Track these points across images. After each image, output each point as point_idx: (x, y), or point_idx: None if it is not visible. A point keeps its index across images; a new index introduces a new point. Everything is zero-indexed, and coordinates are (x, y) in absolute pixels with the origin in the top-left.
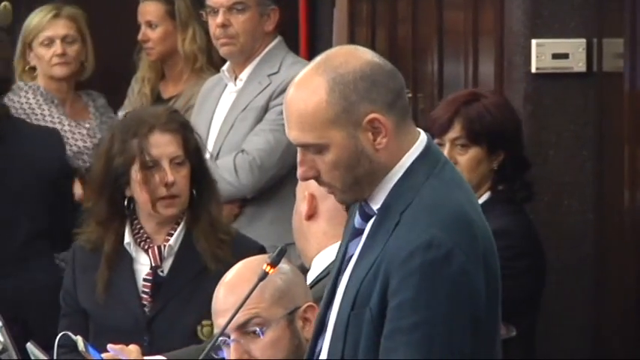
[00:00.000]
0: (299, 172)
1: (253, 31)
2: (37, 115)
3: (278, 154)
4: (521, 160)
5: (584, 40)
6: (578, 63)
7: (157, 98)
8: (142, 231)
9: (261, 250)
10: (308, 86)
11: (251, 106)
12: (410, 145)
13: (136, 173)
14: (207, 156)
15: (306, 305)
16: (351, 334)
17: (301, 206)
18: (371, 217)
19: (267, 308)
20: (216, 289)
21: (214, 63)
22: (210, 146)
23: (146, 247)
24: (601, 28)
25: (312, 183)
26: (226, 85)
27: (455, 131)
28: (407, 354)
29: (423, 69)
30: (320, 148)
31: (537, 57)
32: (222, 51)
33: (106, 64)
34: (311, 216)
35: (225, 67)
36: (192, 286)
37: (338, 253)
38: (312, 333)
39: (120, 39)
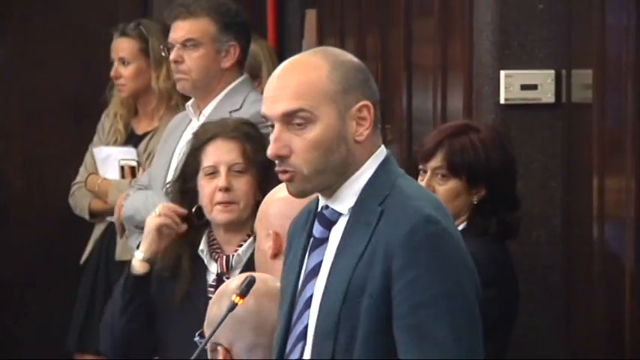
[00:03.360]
0: (272, 148)
1: (207, 67)
2: None
3: None
4: (507, 198)
5: (552, 72)
6: (546, 94)
7: (131, 134)
8: (214, 241)
9: None
10: (308, 63)
11: None
12: (375, 149)
13: (200, 180)
14: (162, 188)
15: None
16: (343, 328)
17: (264, 244)
18: (333, 223)
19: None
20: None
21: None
22: (168, 178)
23: (216, 256)
24: (570, 59)
25: (274, 221)
26: (191, 121)
27: (437, 160)
28: (438, 326)
29: (392, 101)
30: (306, 121)
31: (506, 88)
32: (178, 86)
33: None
34: (277, 254)
35: (189, 103)
36: None
37: (288, 270)
38: None
39: (90, 72)
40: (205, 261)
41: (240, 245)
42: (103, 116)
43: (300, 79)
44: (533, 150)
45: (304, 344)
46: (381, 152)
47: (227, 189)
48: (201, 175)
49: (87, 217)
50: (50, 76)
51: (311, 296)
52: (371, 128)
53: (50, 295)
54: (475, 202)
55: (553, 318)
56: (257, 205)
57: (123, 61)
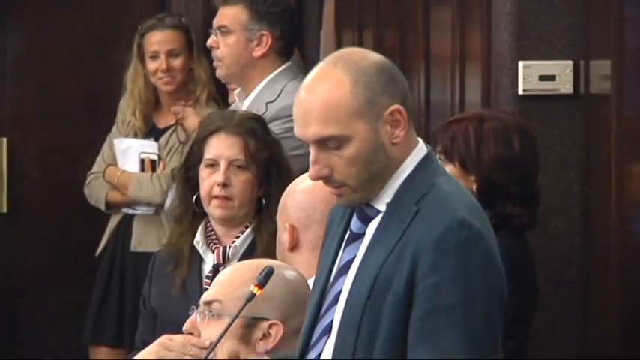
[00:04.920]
0: (312, 171)
1: (237, 55)
2: None
3: None
4: (501, 192)
5: (571, 62)
6: (565, 85)
7: (152, 128)
8: (212, 232)
9: None
10: (329, 79)
11: None
12: (414, 145)
13: (201, 171)
14: None
15: (273, 321)
16: (366, 323)
17: (283, 236)
18: (371, 219)
19: (231, 300)
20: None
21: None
22: None
23: (213, 247)
24: (588, 49)
25: (292, 213)
26: None
27: (439, 144)
28: (450, 334)
29: (410, 90)
30: (341, 142)
31: (524, 79)
32: (217, 73)
33: (91, 88)
34: (294, 247)
35: (236, 92)
36: None
37: (322, 263)
38: (298, 347)
39: (106, 64)
40: (201, 252)
41: (238, 237)
42: (119, 112)
43: (325, 100)
44: (551, 141)
45: (328, 337)
46: (421, 149)
47: (225, 185)
48: (202, 165)
49: (103, 207)
50: (66, 68)
51: (340, 291)
52: (406, 128)
53: (65, 286)
54: (474, 190)
55: (570, 309)
56: (258, 200)
57: (170, 54)
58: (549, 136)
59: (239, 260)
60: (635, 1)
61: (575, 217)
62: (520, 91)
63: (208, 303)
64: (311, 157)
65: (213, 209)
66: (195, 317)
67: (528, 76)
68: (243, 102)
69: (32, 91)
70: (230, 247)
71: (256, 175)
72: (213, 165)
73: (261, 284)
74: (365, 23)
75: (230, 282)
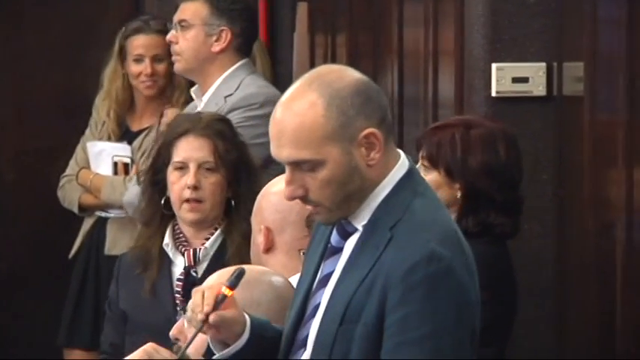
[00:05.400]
0: (287, 191)
1: (196, 49)
2: None
3: None
4: (486, 199)
5: (544, 64)
6: (538, 87)
7: (126, 130)
8: (181, 234)
9: None
10: (302, 103)
11: None
12: (394, 163)
13: (169, 174)
14: None
15: None
16: (337, 350)
17: (258, 238)
18: (350, 234)
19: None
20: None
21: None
22: None
23: (183, 249)
24: (561, 52)
25: (267, 215)
26: (196, 107)
27: (422, 150)
28: None
29: (383, 90)
30: (314, 165)
31: (497, 81)
32: (174, 67)
33: (67, 90)
34: (269, 249)
35: (193, 89)
36: None
37: (305, 271)
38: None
39: (81, 65)
40: (171, 255)
41: (207, 238)
42: (94, 110)
43: (297, 123)
44: (524, 143)
45: (304, 351)
46: (402, 166)
47: (195, 187)
48: (170, 168)
49: (76, 210)
50: (41, 69)
51: (318, 305)
52: (382, 149)
53: (40, 289)
54: (458, 197)
55: (545, 311)
56: (227, 202)
57: (155, 59)
58: (523, 139)
59: (209, 262)
60: (609, 3)
61: (550, 219)
62: (493, 93)
63: None
64: (286, 177)
65: (185, 212)
66: (182, 323)
67: (501, 78)
68: (201, 98)
69: (7, 93)
70: (200, 249)
71: (225, 177)
72: (183, 168)
73: (232, 286)
74: (338, 25)
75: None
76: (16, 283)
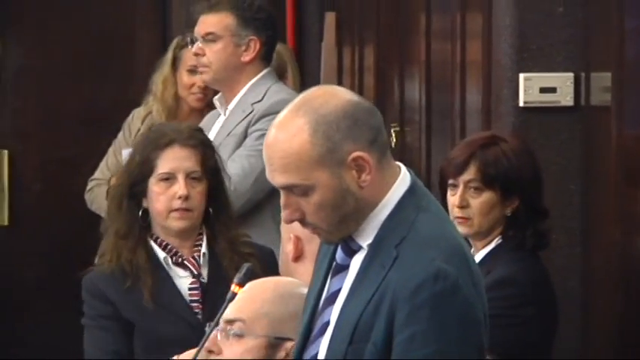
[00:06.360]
0: (284, 215)
1: (226, 60)
2: None
3: (252, 179)
4: (538, 208)
5: (571, 74)
6: (565, 97)
7: None
8: (169, 246)
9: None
10: (289, 129)
11: (233, 132)
12: (393, 180)
13: (153, 185)
14: None
15: (295, 341)
16: None
17: (287, 247)
18: (355, 252)
19: (254, 320)
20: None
21: None
22: None
23: (179, 260)
24: (588, 62)
25: (296, 224)
26: (219, 116)
27: (469, 173)
28: None
29: (411, 103)
30: (305, 190)
31: (525, 91)
32: (201, 78)
33: (92, 99)
34: (297, 258)
35: (216, 98)
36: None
37: (312, 289)
38: None
39: (107, 75)
40: (170, 266)
41: (196, 246)
42: (132, 115)
43: (284, 149)
44: (551, 153)
45: None
46: (403, 181)
47: (187, 197)
48: (153, 180)
49: (104, 214)
50: (66, 79)
51: (327, 323)
52: (374, 170)
53: (67, 298)
54: (509, 214)
55: (570, 321)
56: (207, 211)
57: (193, 71)
58: (550, 148)
59: (209, 268)
60: (636, 13)
61: (576, 229)
62: (521, 104)
63: (230, 322)
64: (282, 201)
65: (173, 222)
66: (215, 335)
67: (529, 88)
68: (226, 107)
69: (33, 103)
70: (200, 256)
71: (207, 186)
72: (169, 178)
73: (241, 283)
74: (366, 35)
75: (251, 301)
76: (42, 290)
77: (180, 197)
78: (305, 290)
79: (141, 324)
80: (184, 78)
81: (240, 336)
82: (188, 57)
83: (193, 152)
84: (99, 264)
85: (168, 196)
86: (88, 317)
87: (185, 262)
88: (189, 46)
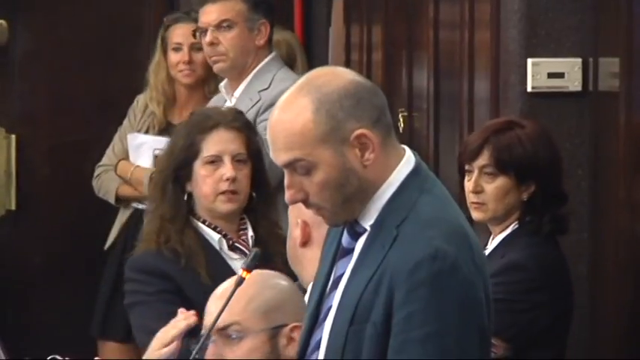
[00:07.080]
0: (287, 195)
1: (243, 46)
2: None
3: None
4: (555, 193)
5: (579, 60)
6: (573, 82)
7: (167, 124)
8: (218, 229)
9: None
10: (293, 108)
11: None
12: (397, 161)
13: (199, 168)
14: None
15: (292, 325)
16: (349, 350)
17: (295, 232)
18: (360, 235)
19: (248, 318)
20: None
21: None
22: None
23: (230, 242)
24: (597, 47)
25: (305, 209)
26: (226, 101)
27: (484, 159)
28: None
29: (419, 88)
30: (308, 168)
31: (533, 76)
32: (215, 68)
33: (101, 84)
34: (305, 243)
35: (222, 84)
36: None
37: (319, 273)
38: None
39: (116, 60)
40: (225, 250)
41: (243, 228)
42: (137, 101)
43: (287, 128)
44: (560, 138)
45: (318, 354)
46: (407, 163)
47: (234, 179)
48: (199, 163)
49: (112, 201)
50: (75, 64)
51: (330, 308)
52: (378, 149)
53: (75, 282)
54: (525, 199)
55: (579, 306)
56: (251, 197)
57: (193, 47)
58: (558, 134)
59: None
60: None
61: (584, 214)
62: (529, 89)
63: (224, 328)
64: (285, 182)
65: (222, 204)
66: (213, 348)
67: (537, 73)
68: (232, 94)
69: (41, 88)
70: (248, 239)
71: (251, 168)
72: (215, 161)
73: (249, 268)
74: (373, 18)
75: (237, 302)
76: (51, 275)
77: (227, 179)
78: (282, 282)
79: (202, 302)
80: (172, 57)
81: (240, 338)
82: (174, 35)
83: (238, 135)
84: (142, 247)
85: (215, 178)
86: (144, 294)
87: (236, 244)
88: (176, 25)
